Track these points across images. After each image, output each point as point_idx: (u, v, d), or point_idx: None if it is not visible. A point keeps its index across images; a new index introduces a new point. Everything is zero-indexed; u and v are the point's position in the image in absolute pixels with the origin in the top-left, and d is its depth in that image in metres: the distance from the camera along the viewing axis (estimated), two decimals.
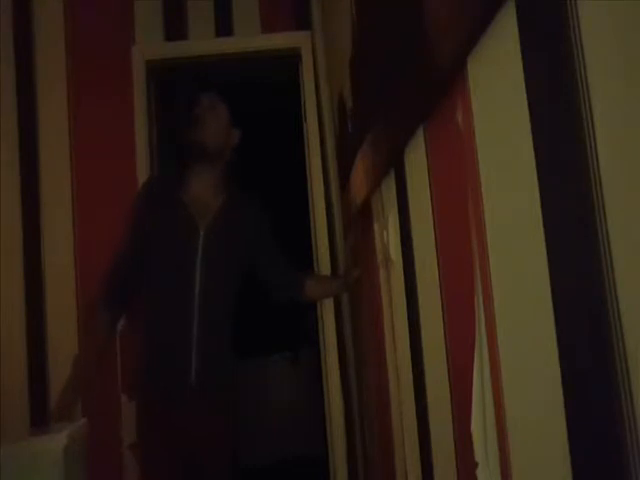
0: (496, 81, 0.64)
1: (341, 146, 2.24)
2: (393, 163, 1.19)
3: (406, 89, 0.98)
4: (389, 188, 1.26)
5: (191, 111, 1.86)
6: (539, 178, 0.54)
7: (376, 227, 1.50)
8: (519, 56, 0.56)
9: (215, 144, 1.85)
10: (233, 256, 1.87)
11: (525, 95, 0.56)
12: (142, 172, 2.57)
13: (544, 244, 0.53)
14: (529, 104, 0.55)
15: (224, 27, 2.69)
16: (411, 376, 1.16)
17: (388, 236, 1.30)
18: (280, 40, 2.67)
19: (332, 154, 2.55)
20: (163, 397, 1.76)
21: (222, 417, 1.84)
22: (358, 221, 1.87)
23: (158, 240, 1.80)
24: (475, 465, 0.76)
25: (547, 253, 0.53)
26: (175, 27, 2.68)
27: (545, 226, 0.53)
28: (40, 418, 2.42)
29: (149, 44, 2.66)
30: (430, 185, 0.94)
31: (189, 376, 1.75)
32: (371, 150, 1.38)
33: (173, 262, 1.80)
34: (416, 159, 1.01)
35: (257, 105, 4.03)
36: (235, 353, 1.92)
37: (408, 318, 1.17)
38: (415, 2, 0.87)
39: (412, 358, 1.15)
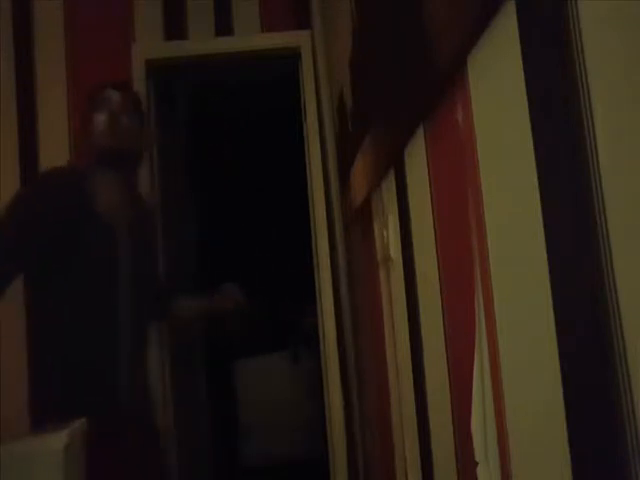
0: (496, 81, 0.64)
1: (341, 146, 2.24)
2: (393, 163, 1.19)
3: (406, 89, 0.98)
4: (389, 188, 1.26)
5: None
6: (539, 178, 0.54)
7: (376, 227, 1.50)
8: (519, 56, 0.56)
9: (130, 148, 1.66)
10: (150, 265, 1.81)
11: (525, 95, 0.56)
12: (141, 172, 2.56)
13: (544, 244, 0.53)
14: (529, 104, 0.55)
15: (224, 26, 2.69)
16: (411, 376, 1.16)
17: (388, 236, 1.30)
18: (280, 39, 2.67)
19: (332, 154, 2.55)
20: (91, 421, 1.46)
21: (153, 433, 1.77)
22: (358, 221, 1.87)
23: (66, 252, 1.56)
24: (475, 465, 0.76)
25: (547, 253, 0.53)
26: (175, 26, 2.68)
27: (545, 226, 0.53)
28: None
29: (149, 43, 2.66)
30: (430, 185, 0.94)
31: (117, 395, 1.61)
32: (371, 150, 1.38)
33: (91, 277, 1.59)
34: (416, 159, 1.01)
35: (257, 105, 4.04)
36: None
37: (408, 318, 1.17)
38: (415, 2, 0.87)
39: (412, 358, 1.15)
